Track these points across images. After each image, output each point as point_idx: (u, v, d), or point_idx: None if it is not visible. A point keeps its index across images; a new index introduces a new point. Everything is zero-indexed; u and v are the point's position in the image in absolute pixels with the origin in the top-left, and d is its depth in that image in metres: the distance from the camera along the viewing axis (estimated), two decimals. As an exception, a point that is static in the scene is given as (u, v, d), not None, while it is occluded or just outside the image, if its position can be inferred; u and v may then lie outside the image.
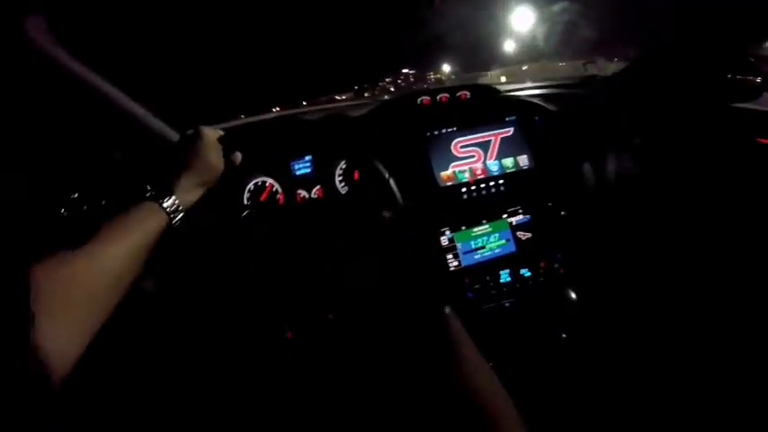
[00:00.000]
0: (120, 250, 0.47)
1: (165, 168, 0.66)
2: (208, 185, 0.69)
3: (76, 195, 0.82)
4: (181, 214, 0.60)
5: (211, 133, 0.73)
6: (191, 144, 0.70)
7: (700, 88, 1.13)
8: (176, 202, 0.59)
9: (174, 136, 0.97)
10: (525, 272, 0.97)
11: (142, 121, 0.88)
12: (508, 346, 0.93)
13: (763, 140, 1.11)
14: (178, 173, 0.64)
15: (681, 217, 1.07)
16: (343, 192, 1.01)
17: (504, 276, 0.96)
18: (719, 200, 1.06)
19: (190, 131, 0.75)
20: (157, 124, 0.92)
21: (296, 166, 1.00)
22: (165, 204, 0.57)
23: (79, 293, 0.41)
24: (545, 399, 0.86)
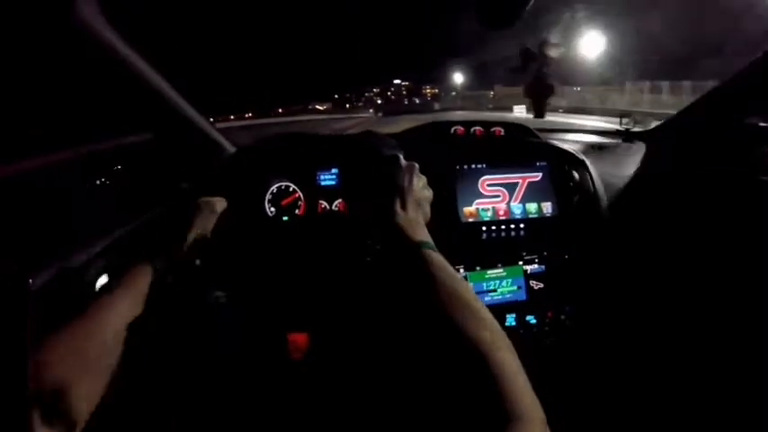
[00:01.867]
0: (112, 316, 0.51)
1: (164, 232, 0.69)
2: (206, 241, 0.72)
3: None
4: (173, 271, 0.63)
5: (215, 205, 0.76)
6: (192, 215, 0.72)
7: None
8: (168, 262, 0.62)
9: (230, 148, 0.98)
10: (531, 319, 0.97)
11: (197, 125, 0.90)
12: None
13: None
14: (174, 239, 0.67)
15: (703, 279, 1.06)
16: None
17: (510, 320, 0.96)
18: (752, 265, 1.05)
19: (203, 200, 0.77)
20: (214, 133, 0.94)
21: (321, 177, 1.00)
22: (157, 266, 0.59)
23: (82, 360, 0.45)
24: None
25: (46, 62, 0.74)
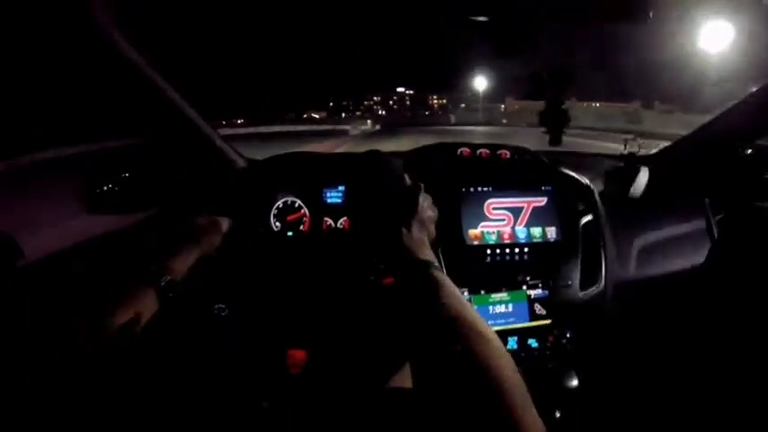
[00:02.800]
0: (119, 325, 0.53)
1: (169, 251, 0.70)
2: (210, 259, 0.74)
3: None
4: (176, 289, 0.64)
5: (221, 224, 0.79)
6: (197, 234, 0.74)
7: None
8: (169, 278, 0.63)
9: (240, 161, 0.99)
10: (533, 342, 0.97)
11: (209, 138, 0.91)
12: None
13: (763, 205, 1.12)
14: (179, 254, 0.68)
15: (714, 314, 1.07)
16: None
17: (512, 343, 0.96)
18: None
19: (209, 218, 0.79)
20: (225, 147, 0.95)
21: (328, 194, 1.01)
22: (161, 284, 0.61)
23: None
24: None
25: (61, 65, 0.75)
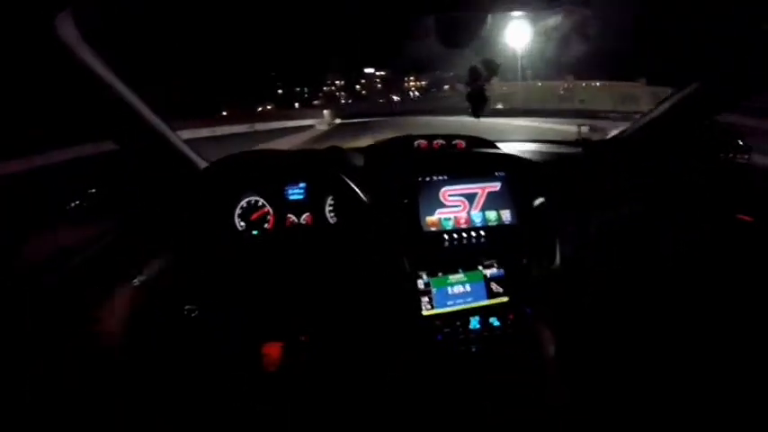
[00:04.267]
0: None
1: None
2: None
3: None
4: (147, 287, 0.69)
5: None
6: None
7: (687, 164, 1.21)
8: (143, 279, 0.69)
9: (201, 162, 1.02)
10: (494, 321, 1.02)
11: (169, 140, 0.93)
12: (472, 388, 0.97)
13: (744, 218, 1.19)
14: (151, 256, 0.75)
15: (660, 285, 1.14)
16: (332, 221, 1.05)
17: (474, 323, 1.00)
18: (696, 268, 1.14)
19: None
20: (185, 148, 0.98)
21: (289, 191, 1.04)
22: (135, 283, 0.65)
23: None
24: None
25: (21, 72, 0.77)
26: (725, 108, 1.13)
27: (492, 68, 0.94)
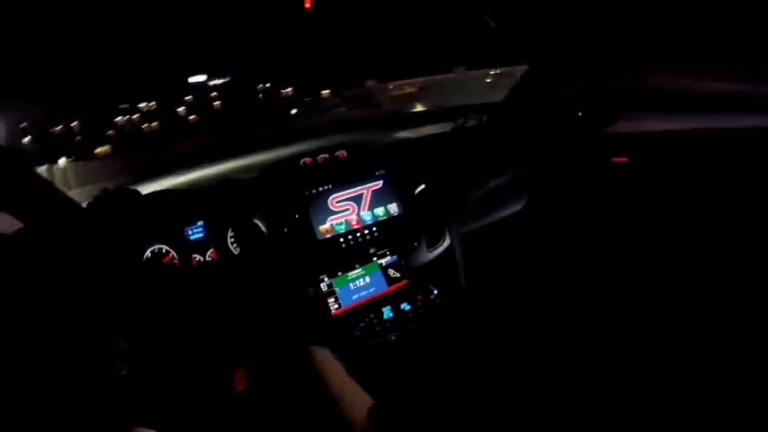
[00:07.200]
0: None
1: None
2: None
3: None
4: None
5: None
6: None
7: (558, 122, 1.39)
8: None
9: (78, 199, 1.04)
10: (405, 306, 1.13)
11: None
12: (399, 376, 1.07)
13: (618, 160, 1.38)
14: None
15: (550, 237, 1.30)
16: (236, 252, 1.12)
17: (387, 313, 1.11)
18: (583, 217, 1.31)
19: None
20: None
21: (190, 232, 1.11)
22: None
23: None
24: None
25: None
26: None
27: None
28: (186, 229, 1.11)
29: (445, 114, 1.69)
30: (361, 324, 1.08)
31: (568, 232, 1.37)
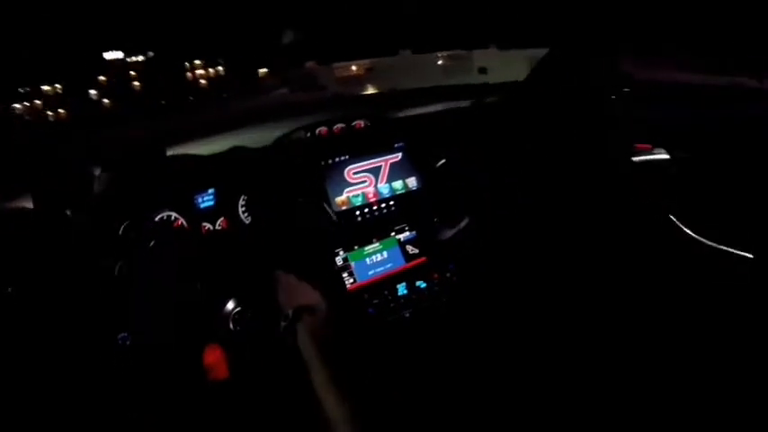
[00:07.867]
0: None
1: None
2: None
3: None
4: None
5: None
6: None
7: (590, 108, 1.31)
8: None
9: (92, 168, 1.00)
10: (421, 283, 1.08)
11: None
12: (412, 353, 1.04)
13: (641, 146, 1.31)
14: None
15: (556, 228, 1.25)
16: (247, 222, 1.07)
17: (402, 289, 1.07)
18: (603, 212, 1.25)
19: None
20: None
21: (199, 200, 1.06)
22: None
23: None
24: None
25: None
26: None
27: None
28: (196, 196, 1.06)
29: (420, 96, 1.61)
30: (375, 301, 1.04)
31: (588, 227, 1.31)
